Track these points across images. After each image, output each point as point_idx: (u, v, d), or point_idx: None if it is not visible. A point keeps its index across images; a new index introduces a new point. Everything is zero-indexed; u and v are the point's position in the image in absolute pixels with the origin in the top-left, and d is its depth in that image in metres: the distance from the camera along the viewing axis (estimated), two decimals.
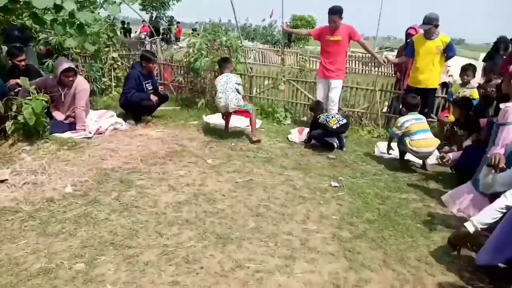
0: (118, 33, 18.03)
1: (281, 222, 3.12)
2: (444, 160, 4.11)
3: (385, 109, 6.66)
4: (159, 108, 6.14)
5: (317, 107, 5.49)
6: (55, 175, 3.77)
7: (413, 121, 4.54)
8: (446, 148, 5.44)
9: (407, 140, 4.49)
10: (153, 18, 20.66)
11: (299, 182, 3.97)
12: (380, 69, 6.54)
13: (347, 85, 6.55)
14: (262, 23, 25.81)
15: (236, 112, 5.30)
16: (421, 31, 5.47)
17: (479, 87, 4.99)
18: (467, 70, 5.47)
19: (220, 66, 5.65)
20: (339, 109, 6.21)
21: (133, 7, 6.73)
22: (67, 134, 4.87)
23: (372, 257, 2.69)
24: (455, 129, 5.26)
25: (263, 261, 2.59)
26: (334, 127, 5.00)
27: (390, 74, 13.80)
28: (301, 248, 2.77)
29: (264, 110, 6.70)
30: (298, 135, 5.59)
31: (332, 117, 5.11)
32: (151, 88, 5.82)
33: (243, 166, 4.30)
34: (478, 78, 5.80)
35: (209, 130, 5.54)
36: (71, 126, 5.03)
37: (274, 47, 19.92)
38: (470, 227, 2.67)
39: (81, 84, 5.00)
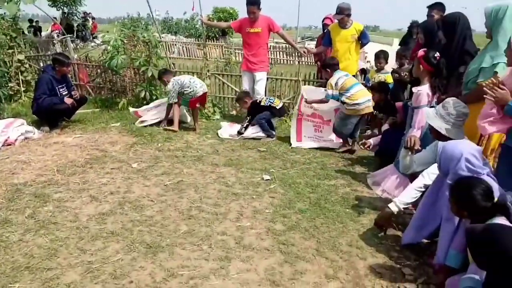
0: (26, 32, 16.54)
1: (215, 222, 3.03)
2: (365, 146, 4.30)
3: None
4: (76, 112, 5.70)
5: (245, 96, 5.59)
6: None
7: (344, 77, 4.75)
8: (369, 132, 5.73)
9: (345, 97, 4.63)
10: (65, 15, 19.18)
11: (231, 178, 3.90)
12: (302, 59, 6.66)
13: (272, 77, 6.61)
14: (184, 16, 25.25)
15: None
16: (336, 20, 5.67)
17: (393, 71, 5.28)
18: (380, 57, 5.78)
19: (161, 79, 5.66)
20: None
21: (37, 5, 6.11)
22: None
23: (306, 248, 2.72)
24: (375, 113, 5.56)
25: (197, 267, 2.49)
26: (279, 106, 5.32)
27: (313, 63, 14.26)
28: (236, 248, 2.71)
29: None
30: (228, 129, 5.52)
31: (274, 99, 5.39)
32: (66, 93, 5.37)
33: (172, 168, 4.13)
34: (392, 63, 6.16)
35: (132, 132, 5.24)
36: None
37: (198, 40, 19.56)
38: (393, 207, 2.82)
39: None
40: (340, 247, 2.74)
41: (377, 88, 5.19)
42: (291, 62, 18.19)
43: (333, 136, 5.14)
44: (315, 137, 5.18)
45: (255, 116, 5.33)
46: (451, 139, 2.51)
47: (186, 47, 18.32)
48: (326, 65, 4.96)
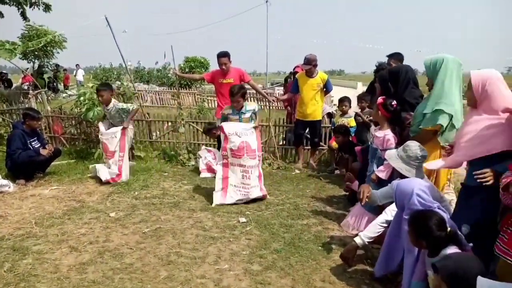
0: None
1: (193, 266, 3.14)
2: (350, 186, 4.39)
3: (281, 142, 7.17)
4: (52, 163, 5.75)
5: (213, 128, 6.15)
6: None
7: None
8: (337, 171, 6.05)
9: None
10: (36, 68, 19.28)
11: (208, 223, 4.04)
12: (273, 104, 7.06)
13: None
14: (156, 66, 25.81)
15: None
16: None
17: (356, 115, 5.70)
18: (344, 101, 6.26)
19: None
20: None
21: (11, 60, 6.28)
22: None
23: (282, 286, 2.86)
24: (342, 154, 5.92)
25: None
26: None
27: (282, 108, 14.79)
28: None
29: (166, 154, 6.69)
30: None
31: None
32: (38, 145, 5.46)
33: (149, 215, 4.23)
34: (355, 107, 6.62)
35: (109, 182, 5.33)
36: None
37: (171, 89, 19.99)
38: (358, 240, 3.05)
39: None
40: (314, 283, 2.90)
41: (338, 131, 5.61)
42: (262, 107, 18.78)
43: (258, 184, 4.73)
44: (242, 187, 4.65)
45: None
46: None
47: (159, 96, 18.66)
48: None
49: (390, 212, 2.98)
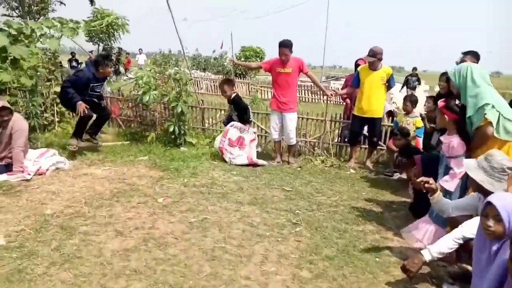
0: (67, 65, 17.37)
1: (239, 265, 2.95)
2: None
3: (336, 139, 6.80)
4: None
5: (229, 82, 6.26)
6: None
7: None
8: (397, 175, 5.60)
9: None
10: (102, 50, 20.19)
11: (256, 218, 3.84)
12: (328, 98, 6.69)
13: (298, 115, 6.63)
14: (213, 54, 26.06)
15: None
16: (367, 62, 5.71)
17: (427, 119, 5.19)
18: (407, 100, 5.74)
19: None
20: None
21: (76, 40, 6.42)
22: (3, 177, 4.44)
23: None
24: (401, 158, 5.45)
25: None
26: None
27: (340, 103, 14.26)
28: None
29: None
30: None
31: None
32: (98, 90, 5.60)
33: (196, 204, 4.11)
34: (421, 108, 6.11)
35: (160, 166, 5.30)
36: (8, 168, 4.60)
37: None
38: (426, 255, 2.66)
39: (18, 123, 4.62)
40: None
41: (401, 133, 5.14)
42: (316, 100, 18.33)
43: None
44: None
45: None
46: (492, 192, 2.39)
47: (214, 83, 18.78)
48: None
49: (469, 229, 2.54)
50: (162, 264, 2.91)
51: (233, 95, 6.09)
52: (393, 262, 3.10)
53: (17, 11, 21.64)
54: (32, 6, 21.23)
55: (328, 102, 6.84)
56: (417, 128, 5.41)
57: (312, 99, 18.62)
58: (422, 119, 5.41)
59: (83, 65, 19.05)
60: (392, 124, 6.24)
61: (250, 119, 6.24)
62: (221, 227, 3.59)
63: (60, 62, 7.54)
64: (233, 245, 3.25)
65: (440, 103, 3.54)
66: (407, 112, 5.65)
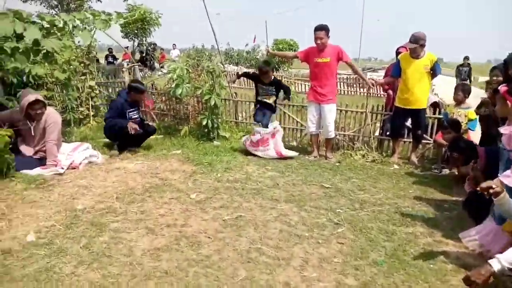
0: (102, 60, 17.76)
1: (276, 269, 2.70)
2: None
3: (377, 132, 6.39)
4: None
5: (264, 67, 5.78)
6: (17, 220, 3.30)
7: None
8: (446, 170, 5.16)
9: None
10: (137, 45, 20.52)
11: (293, 217, 3.57)
12: (368, 90, 6.29)
13: (337, 108, 6.28)
14: (245, 47, 25.87)
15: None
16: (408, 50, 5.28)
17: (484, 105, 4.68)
18: (459, 89, 5.23)
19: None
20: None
21: (111, 35, 6.36)
22: (37, 171, 4.42)
23: None
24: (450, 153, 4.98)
25: None
26: None
27: (379, 95, 13.68)
28: None
29: None
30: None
31: None
32: (135, 117, 5.51)
33: (230, 200, 3.90)
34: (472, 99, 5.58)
35: (193, 160, 5.14)
36: (41, 162, 4.58)
37: None
38: (495, 264, 2.28)
39: (52, 117, 4.58)
40: None
41: (452, 126, 4.70)
42: (352, 93, 17.72)
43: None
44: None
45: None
46: None
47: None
48: None
49: None
50: (194, 265, 2.71)
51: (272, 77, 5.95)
52: (450, 270, 2.75)
53: (56, 9, 22.32)
54: (71, 4, 21.82)
55: (370, 94, 6.43)
56: (470, 120, 4.93)
57: (348, 91, 18.02)
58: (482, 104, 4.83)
59: (119, 60, 19.48)
60: (438, 116, 5.77)
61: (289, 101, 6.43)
62: (256, 226, 3.36)
63: (96, 57, 7.57)
64: (269, 247, 3.01)
65: (502, 88, 3.12)
66: (459, 103, 5.17)
